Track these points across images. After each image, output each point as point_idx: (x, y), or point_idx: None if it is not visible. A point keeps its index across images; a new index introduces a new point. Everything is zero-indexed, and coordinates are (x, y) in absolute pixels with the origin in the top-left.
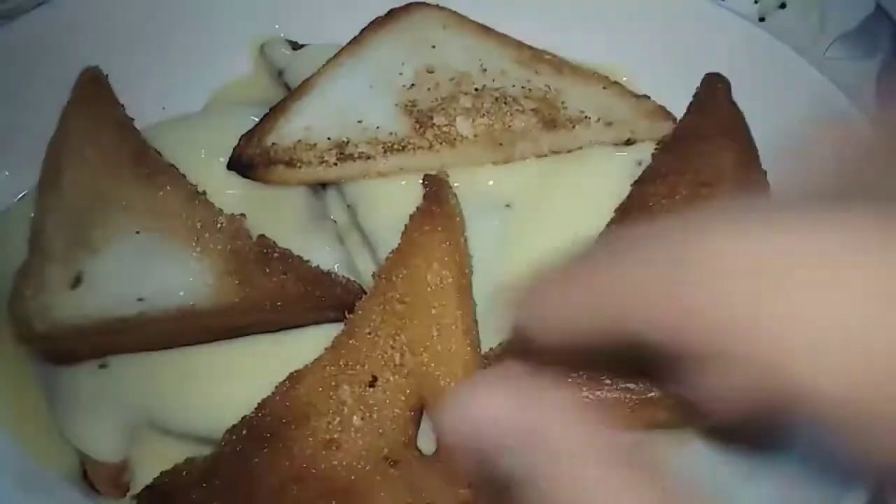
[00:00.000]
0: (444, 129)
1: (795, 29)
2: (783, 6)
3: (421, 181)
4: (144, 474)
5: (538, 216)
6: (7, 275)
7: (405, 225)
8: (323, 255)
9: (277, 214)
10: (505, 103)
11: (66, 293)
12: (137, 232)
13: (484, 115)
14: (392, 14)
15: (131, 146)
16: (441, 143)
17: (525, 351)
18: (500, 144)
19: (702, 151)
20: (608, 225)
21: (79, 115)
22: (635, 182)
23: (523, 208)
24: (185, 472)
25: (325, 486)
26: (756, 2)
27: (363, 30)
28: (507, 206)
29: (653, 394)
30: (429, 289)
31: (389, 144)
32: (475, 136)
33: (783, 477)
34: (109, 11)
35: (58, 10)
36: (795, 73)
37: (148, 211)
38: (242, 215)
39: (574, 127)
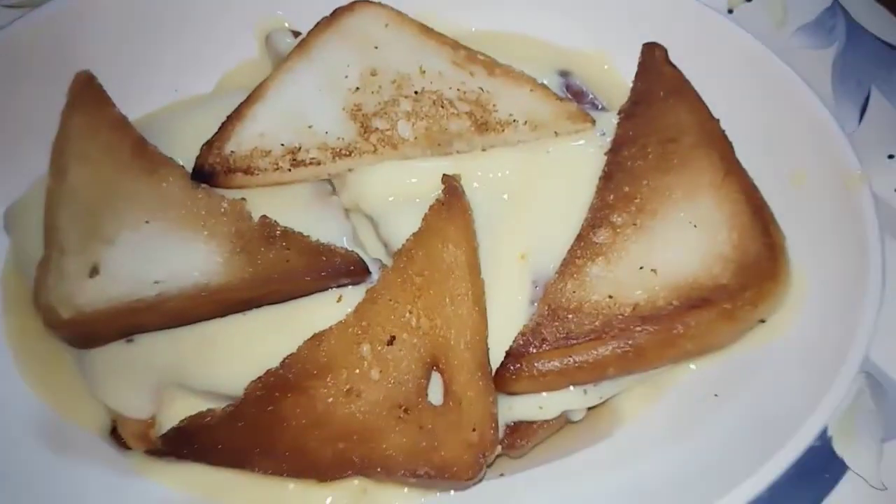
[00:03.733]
0: (387, 132)
1: (760, 20)
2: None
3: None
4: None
5: (532, 199)
6: (27, 257)
7: (424, 213)
8: (330, 229)
9: (287, 193)
10: (442, 106)
11: (87, 282)
12: (147, 221)
13: (423, 118)
14: (336, 13)
15: (130, 142)
16: (384, 146)
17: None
18: (438, 145)
19: (659, 112)
20: (597, 192)
21: (76, 116)
22: (608, 151)
23: (519, 196)
24: (208, 417)
25: (344, 429)
26: None
27: (310, 31)
28: (506, 196)
29: (676, 330)
30: (444, 265)
31: (338, 150)
32: (415, 138)
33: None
34: (122, 1)
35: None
36: (759, 60)
37: (154, 201)
38: (243, 199)
39: (503, 130)
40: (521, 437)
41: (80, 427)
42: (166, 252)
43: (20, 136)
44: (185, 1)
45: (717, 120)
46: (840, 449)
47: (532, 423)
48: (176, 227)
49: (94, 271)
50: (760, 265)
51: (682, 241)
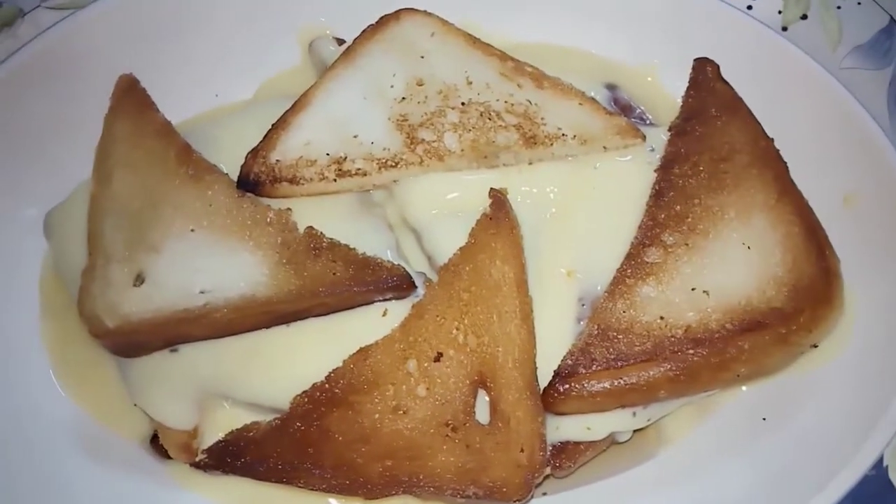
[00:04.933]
0: (433, 144)
1: (815, 39)
2: (805, 17)
3: (487, 194)
4: (213, 441)
5: (579, 215)
6: (67, 263)
7: (472, 227)
8: (374, 241)
9: (331, 203)
10: (489, 118)
11: (132, 290)
12: (192, 230)
13: (470, 129)
14: (382, 21)
15: (175, 149)
16: (430, 158)
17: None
18: (485, 157)
19: (711, 129)
20: (647, 210)
21: (120, 122)
22: (658, 168)
23: (566, 211)
24: (252, 431)
25: (391, 445)
26: (780, 12)
27: (356, 39)
28: (553, 211)
29: (729, 353)
30: (491, 281)
31: (383, 161)
32: (461, 150)
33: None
34: (165, 5)
35: (116, 2)
36: (813, 80)
37: (199, 210)
38: (288, 209)
39: (552, 144)
40: (567, 457)
41: (120, 436)
42: (212, 262)
43: (62, 140)
44: (226, 5)
45: (771, 139)
46: None
47: (579, 443)
48: (221, 237)
49: (139, 280)
50: (815, 289)
51: (734, 262)
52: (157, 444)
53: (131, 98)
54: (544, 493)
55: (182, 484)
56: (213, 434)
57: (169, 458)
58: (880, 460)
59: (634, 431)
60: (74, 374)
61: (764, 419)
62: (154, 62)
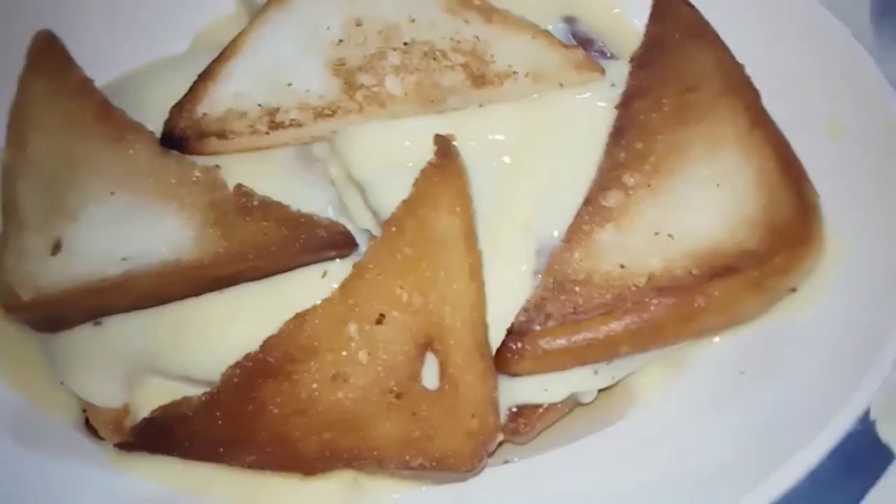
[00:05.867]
0: (374, 89)
1: None
2: None
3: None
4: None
5: (534, 160)
6: None
7: (415, 178)
8: (313, 198)
9: (266, 158)
10: (434, 59)
11: (48, 260)
12: (112, 193)
13: (413, 72)
14: None
15: (94, 107)
16: (371, 104)
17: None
18: (431, 102)
19: (675, 58)
20: (606, 151)
21: (36, 81)
22: (619, 104)
23: (519, 157)
24: (182, 406)
25: (330, 417)
26: None
27: None
28: (506, 158)
29: (697, 302)
30: (437, 235)
31: (319, 109)
32: (405, 94)
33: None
34: None
35: None
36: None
37: (120, 171)
38: (217, 167)
39: (502, 83)
40: (525, 421)
41: (53, 417)
42: (134, 226)
43: None
44: None
45: (742, 65)
46: (885, 434)
47: (537, 406)
48: (144, 199)
49: (56, 248)
50: (791, 228)
51: (702, 202)
52: (91, 425)
53: (49, 56)
54: (506, 461)
55: (118, 465)
56: (144, 411)
57: (103, 439)
58: (867, 414)
59: (599, 391)
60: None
61: (742, 373)
62: (76, 16)
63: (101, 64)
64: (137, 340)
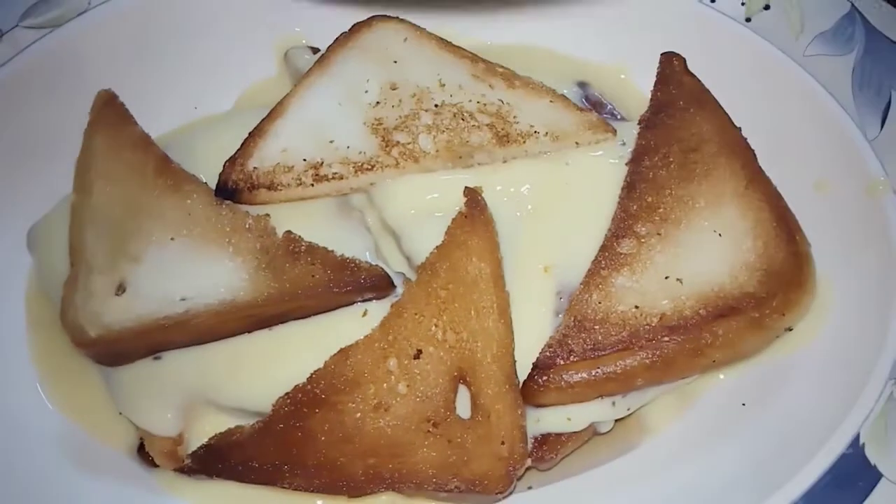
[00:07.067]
0: (408, 146)
1: (778, 29)
2: (767, 7)
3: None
4: (197, 446)
5: (554, 210)
6: (51, 276)
7: (448, 226)
8: (353, 243)
9: (310, 207)
10: (462, 119)
11: (113, 300)
12: (172, 238)
13: (444, 131)
14: (355, 29)
15: (154, 160)
16: (406, 160)
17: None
18: (459, 157)
19: (680, 121)
20: (619, 203)
21: (99, 135)
22: (630, 161)
23: (541, 207)
24: (236, 434)
25: (373, 443)
26: (743, 3)
27: (329, 46)
28: (529, 207)
29: (704, 339)
30: (468, 278)
31: (359, 164)
32: (436, 150)
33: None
34: (141, 21)
35: (94, 20)
36: (778, 69)
37: (178, 219)
38: (267, 215)
39: (524, 141)
40: (549, 449)
41: (107, 445)
42: (192, 269)
43: (43, 156)
44: (203, 19)
45: (739, 128)
46: (873, 456)
47: (560, 435)
48: (201, 244)
49: (120, 289)
50: (786, 273)
51: (706, 249)
52: (144, 452)
53: (110, 112)
54: (529, 487)
55: (169, 490)
56: (197, 440)
57: (156, 465)
58: (857, 438)
59: (616, 422)
60: (61, 387)
61: (743, 405)
62: (132, 77)
63: (150, 120)
64: (193, 374)
